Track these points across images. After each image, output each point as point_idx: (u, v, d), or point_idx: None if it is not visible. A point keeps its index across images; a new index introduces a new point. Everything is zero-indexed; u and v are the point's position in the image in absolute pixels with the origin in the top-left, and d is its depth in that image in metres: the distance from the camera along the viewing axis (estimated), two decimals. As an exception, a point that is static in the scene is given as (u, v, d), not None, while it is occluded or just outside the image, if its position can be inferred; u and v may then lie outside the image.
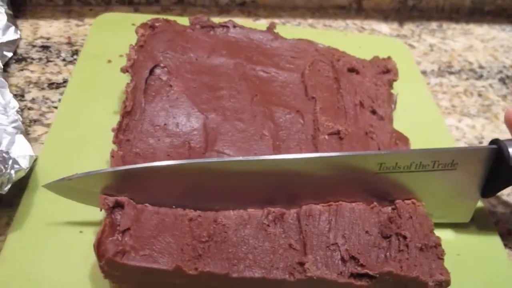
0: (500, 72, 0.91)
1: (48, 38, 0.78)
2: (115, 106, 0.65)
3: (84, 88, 0.68)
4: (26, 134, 0.60)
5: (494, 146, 0.55)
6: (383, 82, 0.71)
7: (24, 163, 0.54)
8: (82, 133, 0.62)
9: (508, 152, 0.54)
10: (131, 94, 0.58)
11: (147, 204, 0.50)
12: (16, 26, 0.75)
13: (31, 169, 0.57)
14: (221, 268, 0.47)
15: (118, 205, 0.48)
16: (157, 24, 0.67)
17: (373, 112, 0.66)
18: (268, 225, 0.50)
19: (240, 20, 0.73)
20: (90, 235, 0.52)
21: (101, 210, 0.50)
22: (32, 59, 0.74)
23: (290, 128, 0.60)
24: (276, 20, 0.91)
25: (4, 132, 0.56)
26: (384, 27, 0.96)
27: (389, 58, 0.74)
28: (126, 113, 0.57)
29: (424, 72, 0.87)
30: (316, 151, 0.58)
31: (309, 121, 0.61)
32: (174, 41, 0.66)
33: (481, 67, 0.91)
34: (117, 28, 0.77)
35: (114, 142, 0.55)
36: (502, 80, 0.89)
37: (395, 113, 0.69)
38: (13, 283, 0.48)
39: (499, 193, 0.60)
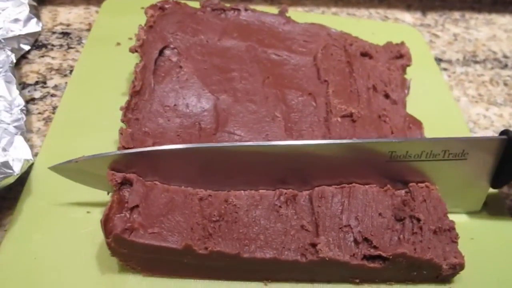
0: (525, 61, 0.90)
1: (68, 25, 0.77)
2: (124, 87, 0.64)
3: (92, 70, 0.67)
4: (26, 133, 0.58)
5: (504, 136, 0.54)
6: (396, 67, 0.69)
7: (17, 168, 0.52)
8: (89, 114, 0.62)
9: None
10: (140, 74, 0.57)
11: (156, 182, 0.49)
12: (39, 18, 0.73)
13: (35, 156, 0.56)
14: (231, 248, 0.46)
15: (127, 182, 0.48)
16: (166, 6, 0.65)
17: (386, 96, 0.64)
18: (280, 206, 0.50)
19: (263, 8, 0.72)
20: (97, 215, 0.51)
21: (108, 193, 0.49)
22: (53, 45, 0.72)
23: (302, 111, 0.59)
24: (299, 9, 0.89)
25: (5, 132, 0.54)
26: (407, 17, 0.95)
27: (402, 43, 0.73)
28: (135, 93, 0.56)
29: (449, 61, 0.86)
30: (329, 133, 0.57)
31: (321, 104, 0.60)
32: (184, 23, 0.65)
33: (505, 56, 0.90)
34: (126, 11, 0.76)
35: (122, 121, 0.54)
36: (527, 70, 0.88)
37: (408, 98, 0.68)
38: (19, 262, 0.48)
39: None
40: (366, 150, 0.51)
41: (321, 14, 0.90)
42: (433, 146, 0.52)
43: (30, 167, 0.55)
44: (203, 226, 0.47)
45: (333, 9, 0.92)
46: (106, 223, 0.45)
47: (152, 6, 0.65)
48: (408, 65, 0.71)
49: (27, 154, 0.54)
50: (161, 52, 0.61)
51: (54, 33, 0.75)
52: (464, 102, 0.79)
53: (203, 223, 0.47)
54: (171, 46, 0.62)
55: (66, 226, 0.51)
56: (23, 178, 0.54)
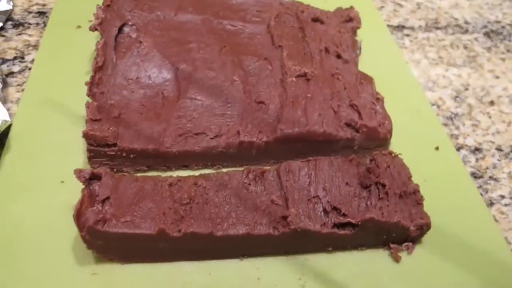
0: (485, 27, 0.93)
1: (43, 5, 0.81)
2: (87, 67, 0.67)
3: (55, 52, 0.70)
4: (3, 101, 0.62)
5: None
6: (347, 29, 0.73)
7: None
8: (56, 92, 0.64)
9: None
10: (102, 50, 0.60)
11: (125, 174, 0.51)
12: (10, -2, 0.78)
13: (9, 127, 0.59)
14: (204, 228, 0.47)
15: (95, 177, 0.49)
16: (123, -15, 0.68)
17: (338, 56, 0.68)
18: (249, 184, 0.51)
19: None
20: (71, 185, 0.53)
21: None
22: (29, 24, 0.77)
23: (259, 74, 0.63)
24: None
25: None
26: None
27: (351, 7, 0.76)
28: (98, 68, 0.59)
29: (411, 28, 0.89)
30: (285, 92, 0.60)
31: (277, 67, 0.64)
32: (141, 1, 0.67)
33: (466, 22, 0.94)
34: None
35: (88, 95, 0.56)
36: (487, 34, 0.92)
37: (360, 58, 0.72)
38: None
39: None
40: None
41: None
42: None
43: (8, 128, 0.58)
44: (174, 210, 0.48)
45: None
46: (78, 217, 0.46)
47: (109, -14, 0.67)
48: (358, 27, 0.74)
49: (4, 115, 0.58)
50: (120, 30, 0.64)
51: (30, 12, 0.79)
52: (425, 64, 0.82)
53: (175, 207, 0.48)
54: (130, 23, 0.64)
55: (40, 196, 0.53)
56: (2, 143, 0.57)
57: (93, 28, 0.62)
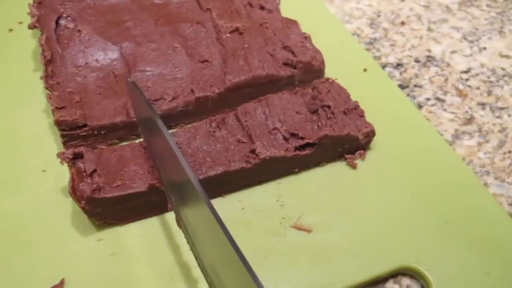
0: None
1: None
2: (32, 65, 0.70)
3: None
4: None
5: None
6: (264, -17, 0.79)
7: None
8: (12, 94, 0.67)
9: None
10: (46, 45, 0.64)
11: (103, 147, 0.55)
12: None
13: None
14: None
15: (77, 156, 0.53)
16: (48, -18, 0.71)
17: (262, 8, 0.74)
18: (214, 131, 0.57)
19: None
20: (53, 172, 0.58)
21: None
22: None
23: (196, 37, 0.68)
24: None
25: None
26: None
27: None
28: (48, 62, 0.62)
29: None
30: (224, 48, 0.66)
31: (210, 28, 0.69)
32: (69, -8, 0.71)
33: None
34: (7, -1, 0.80)
35: (46, 88, 0.60)
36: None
37: (281, 6, 0.78)
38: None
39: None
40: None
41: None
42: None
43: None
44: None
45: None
46: (74, 193, 0.50)
47: (35, -16, 0.70)
48: (273, -21, 0.81)
49: None
50: (57, 23, 0.67)
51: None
52: (338, 1, 0.90)
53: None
54: (64, 15, 0.68)
55: (29, 187, 0.57)
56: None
57: (31, 26, 0.66)
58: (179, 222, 0.49)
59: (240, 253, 0.39)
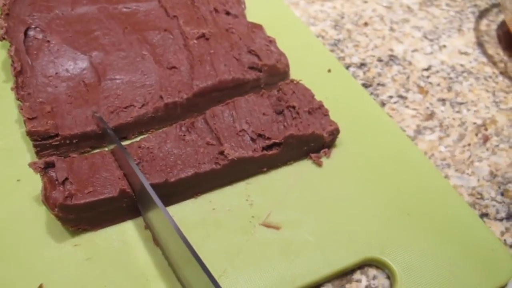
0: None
1: None
2: (3, 76, 0.71)
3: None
4: None
5: None
6: (229, -11, 0.81)
7: None
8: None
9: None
10: (16, 56, 0.65)
11: (74, 155, 0.56)
12: None
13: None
14: (159, 178, 0.55)
15: (49, 165, 0.54)
16: (14, -7, 0.72)
17: (227, 13, 0.76)
18: (184, 135, 0.59)
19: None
20: (28, 181, 0.59)
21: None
22: None
23: (164, 45, 0.70)
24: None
25: None
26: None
27: (227, -32, 0.84)
28: (18, 73, 0.63)
29: None
30: (191, 54, 0.68)
31: (177, 35, 0.71)
32: (36, 3, 0.72)
33: None
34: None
35: (17, 99, 0.61)
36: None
37: (246, 11, 0.80)
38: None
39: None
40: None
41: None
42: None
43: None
44: None
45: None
46: (47, 201, 0.51)
47: (1, -3, 0.71)
48: (238, -15, 0.83)
49: None
50: (26, 34, 0.68)
51: None
52: (303, 4, 0.92)
53: None
54: (32, 26, 0.69)
55: (4, 197, 0.58)
56: None
57: (0, 38, 0.67)
58: (147, 225, 0.51)
59: (194, 253, 0.45)
